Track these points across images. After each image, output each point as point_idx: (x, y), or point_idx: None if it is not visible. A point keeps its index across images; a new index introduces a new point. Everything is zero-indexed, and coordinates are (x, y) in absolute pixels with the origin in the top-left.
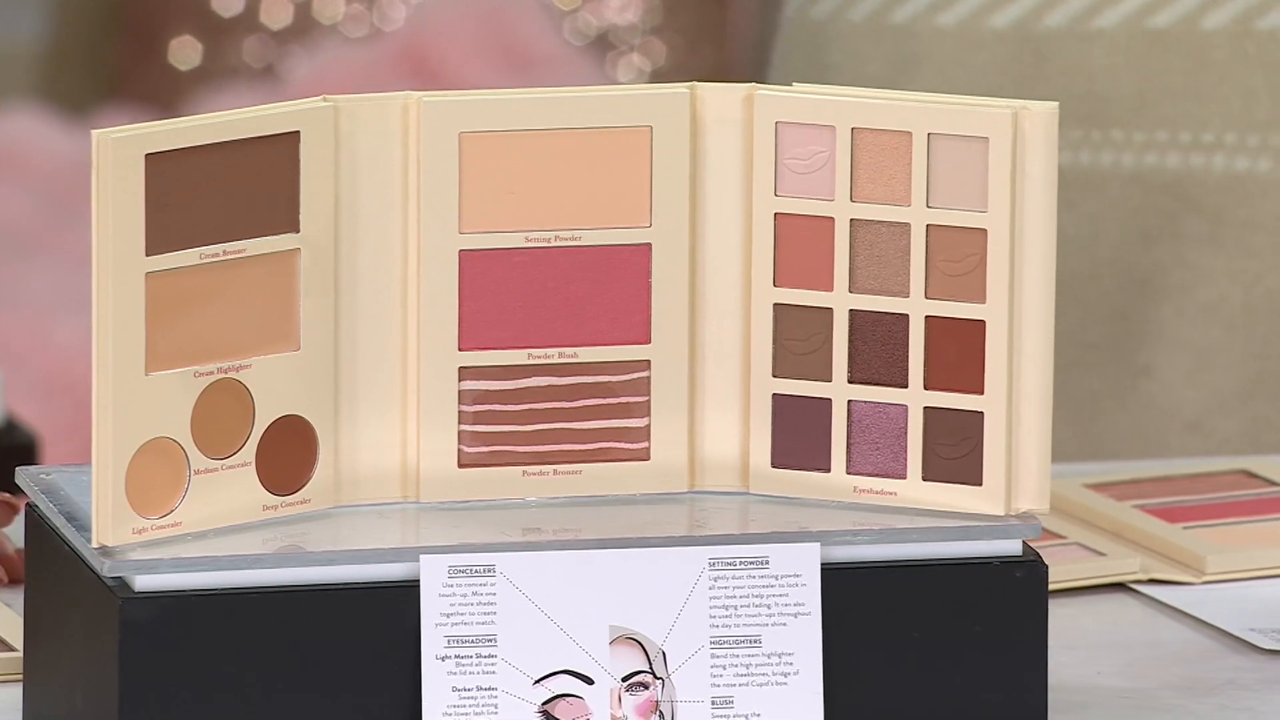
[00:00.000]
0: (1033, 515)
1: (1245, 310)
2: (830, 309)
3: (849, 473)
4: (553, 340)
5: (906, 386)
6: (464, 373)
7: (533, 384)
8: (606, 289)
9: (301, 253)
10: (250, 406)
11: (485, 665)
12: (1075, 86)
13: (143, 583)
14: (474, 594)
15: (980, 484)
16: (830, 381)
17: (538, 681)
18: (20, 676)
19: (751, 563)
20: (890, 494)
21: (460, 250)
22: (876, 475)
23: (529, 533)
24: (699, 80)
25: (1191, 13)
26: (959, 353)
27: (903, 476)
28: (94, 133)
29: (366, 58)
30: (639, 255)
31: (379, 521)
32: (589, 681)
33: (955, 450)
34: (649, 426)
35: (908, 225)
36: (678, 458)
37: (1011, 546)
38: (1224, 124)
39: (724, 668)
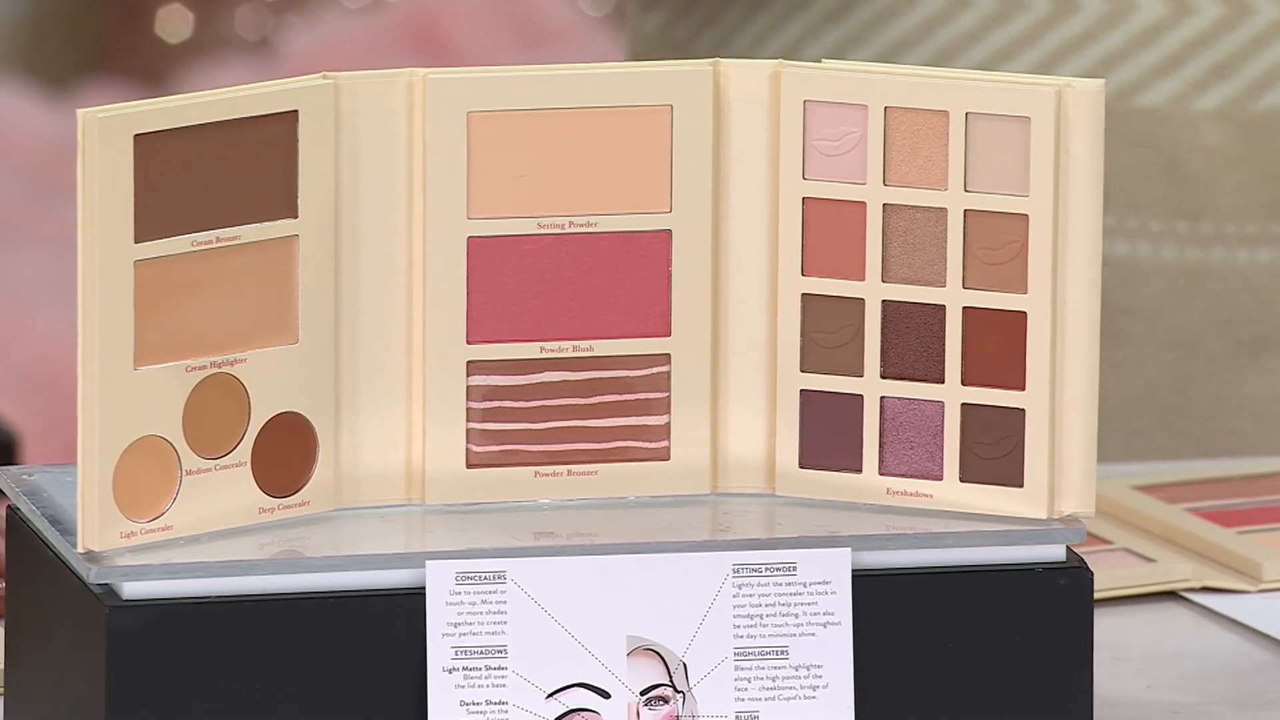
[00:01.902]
0: (1077, 519)
1: (1126, 403)
2: (862, 300)
3: (882, 474)
4: (567, 333)
5: (943, 382)
6: (472, 367)
7: (545, 379)
8: (624, 278)
9: (300, 240)
10: (245, 403)
11: (495, 678)
12: None
13: (131, 590)
14: (483, 602)
15: (1021, 485)
16: (862, 377)
17: (551, 695)
18: (1, 689)
19: (778, 569)
20: (925, 496)
21: (468, 237)
22: (911, 476)
23: (541, 537)
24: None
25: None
26: (999, 346)
27: (939, 478)
28: (79, 112)
29: (368, 30)
30: (658, 243)
31: (382, 525)
32: (605, 695)
33: (995, 450)
34: (669, 424)
35: (944, 210)
36: (700, 457)
37: (1055, 552)
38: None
39: (749, 680)
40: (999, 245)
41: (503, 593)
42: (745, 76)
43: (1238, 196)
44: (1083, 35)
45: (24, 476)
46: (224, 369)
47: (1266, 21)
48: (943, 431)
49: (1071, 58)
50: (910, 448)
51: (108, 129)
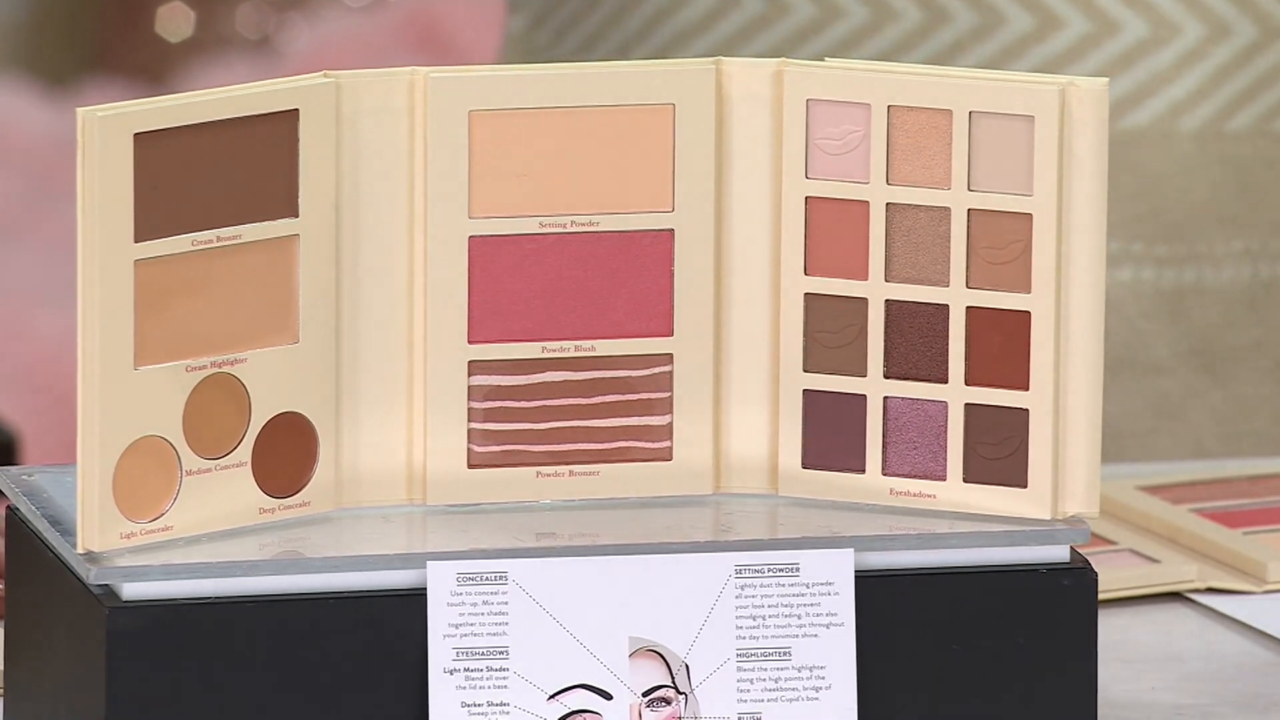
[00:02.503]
0: (1081, 519)
1: None
2: (865, 299)
3: (885, 474)
4: (568, 333)
5: (946, 382)
6: (474, 367)
7: (547, 379)
8: (626, 278)
9: (300, 239)
10: (246, 403)
11: (496, 679)
12: None
13: (131, 591)
14: (484, 603)
15: (1025, 486)
16: (865, 377)
17: (552, 696)
18: (1, 690)
19: (781, 570)
20: (929, 496)
21: (470, 236)
22: (914, 477)
23: (543, 538)
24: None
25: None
26: (1002, 346)
27: (942, 478)
28: (79, 111)
29: (370, 29)
30: (661, 242)
31: (383, 525)
32: (607, 696)
33: (998, 450)
34: (671, 425)
35: (948, 210)
36: (702, 458)
37: (1059, 553)
38: None
39: (751, 682)
40: (1003, 244)
41: (504, 593)
42: (748, 75)
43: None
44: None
45: (24, 477)
46: (224, 369)
47: (1135, 39)
48: (946, 431)
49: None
50: (913, 448)
51: (108, 128)
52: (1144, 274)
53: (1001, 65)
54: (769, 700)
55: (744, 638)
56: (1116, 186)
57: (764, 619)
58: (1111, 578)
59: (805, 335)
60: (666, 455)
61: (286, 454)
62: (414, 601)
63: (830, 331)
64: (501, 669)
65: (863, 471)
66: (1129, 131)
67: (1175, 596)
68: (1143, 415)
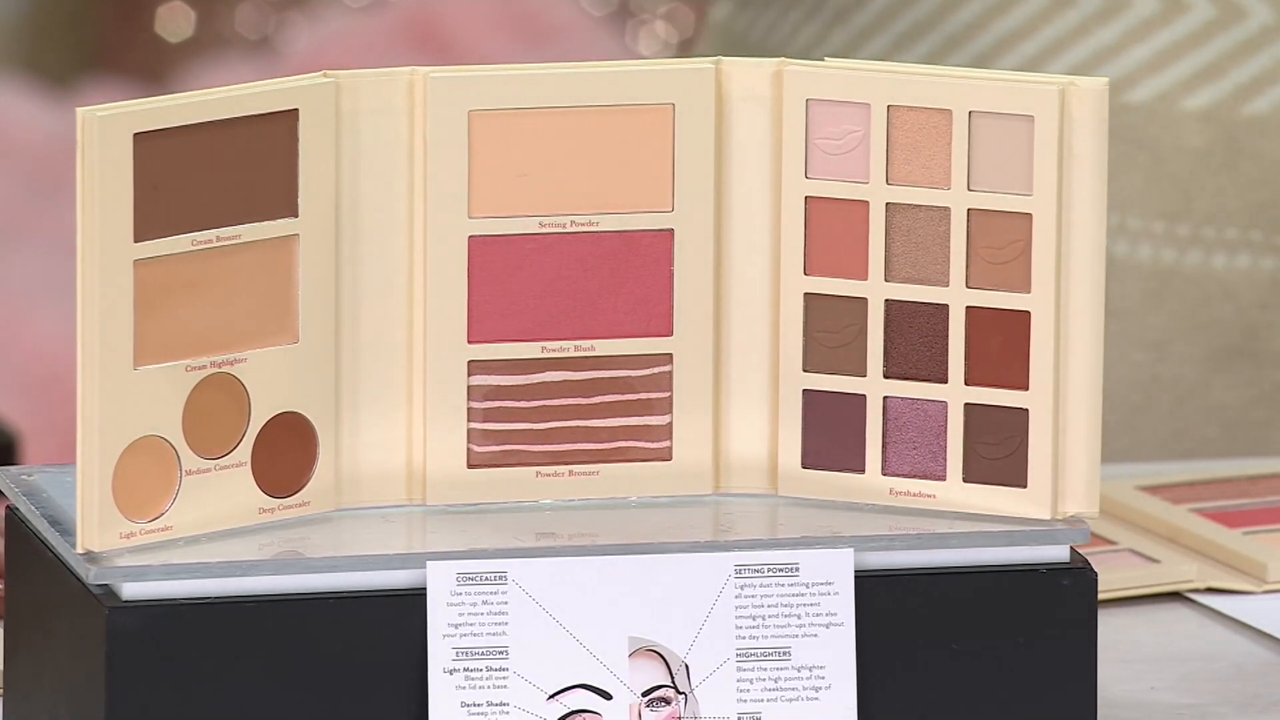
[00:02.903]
0: (1081, 519)
1: None
2: (864, 299)
3: (884, 474)
4: (568, 332)
5: (946, 382)
6: (473, 367)
7: (547, 379)
8: (626, 278)
9: (300, 239)
10: (245, 403)
11: (496, 679)
12: None
13: (131, 591)
14: (484, 603)
15: (1025, 486)
16: (864, 377)
17: (552, 696)
18: (0, 690)
19: (780, 570)
20: (928, 496)
21: (470, 236)
22: (914, 477)
23: (543, 538)
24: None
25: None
26: (1002, 346)
27: (942, 478)
28: (79, 110)
29: (370, 28)
30: (660, 242)
31: (383, 525)
32: (607, 696)
33: (998, 450)
34: (671, 425)
35: (947, 210)
36: (702, 458)
37: (1058, 553)
38: None
39: (751, 682)
40: (1002, 244)
41: (504, 593)
42: (748, 75)
43: (1217, 200)
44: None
45: (24, 476)
46: (224, 369)
47: (1259, 26)
48: (946, 431)
49: (1066, 51)
50: (913, 448)
51: (107, 128)
52: (1263, 263)
53: (1127, 45)
54: (769, 700)
55: (744, 638)
56: (1237, 174)
57: (764, 619)
58: (1111, 578)
59: (805, 335)
60: (666, 455)
61: (286, 454)
62: (414, 601)
63: (830, 331)
64: (501, 669)
65: (862, 471)
66: (1251, 118)
67: (1175, 596)
68: (1257, 406)
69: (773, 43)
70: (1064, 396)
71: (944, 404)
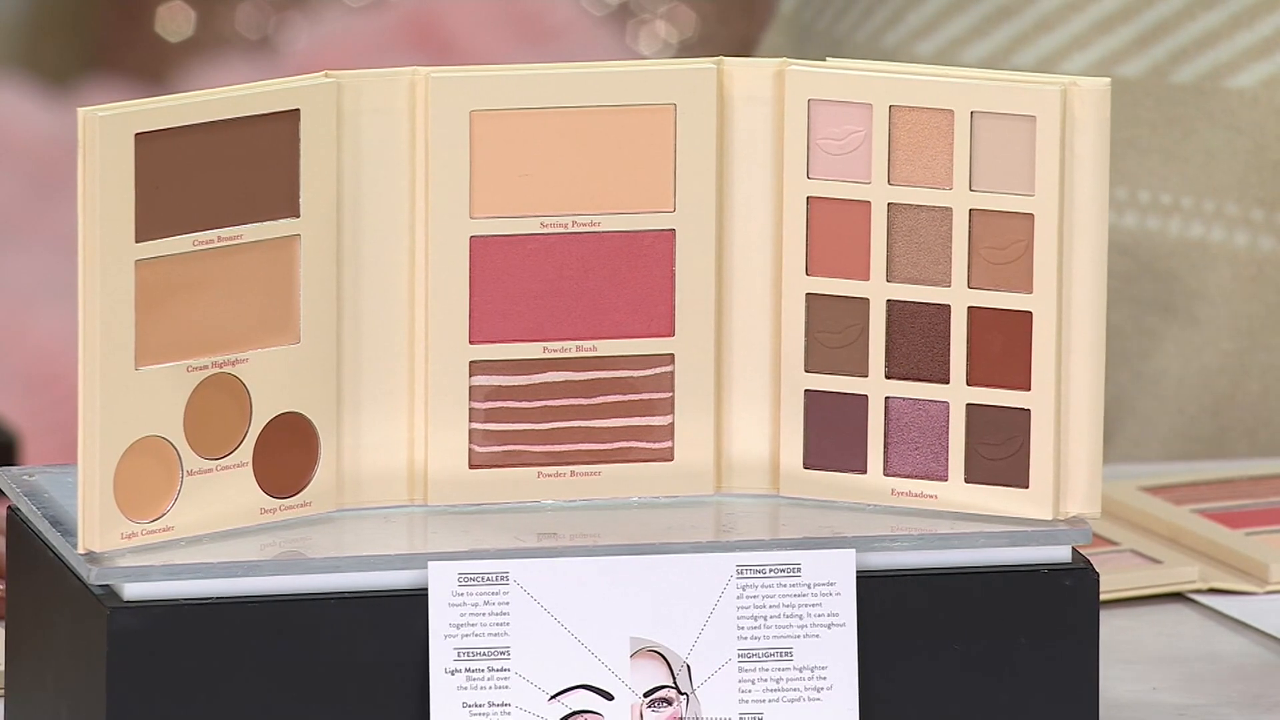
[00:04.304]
0: (1083, 520)
1: (1179, 384)
2: (866, 299)
3: (886, 474)
4: (570, 333)
5: (948, 382)
6: (475, 367)
7: (548, 379)
8: (627, 278)
9: (302, 239)
10: (247, 403)
11: (498, 679)
12: None
13: (132, 591)
14: (486, 603)
15: (1026, 486)
16: (866, 377)
17: (554, 697)
18: (1, 691)
19: (782, 570)
20: (930, 497)
21: (471, 237)
22: (915, 477)
23: (544, 538)
24: (729, 54)
25: (1161, 65)
26: (1004, 346)
27: (944, 478)
28: (80, 111)
29: (371, 28)
30: (662, 242)
31: (384, 526)
32: (608, 697)
33: (1000, 450)
34: (673, 425)
35: (949, 210)
36: (703, 458)
37: (1060, 553)
38: (1182, 185)
39: (753, 682)
40: (1004, 245)
41: (505, 594)
42: (749, 75)
43: None
44: (1182, 12)
45: (24, 477)
46: (225, 369)
47: None
48: (948, 432)
49: (1169, 34)
50: (915, 448)
51: (108, 128)
52: None
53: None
54: (770, 701)
55: (745, 638)
56: None
57: (765, 619)
58: (1113, 578)
59: (807, 335)
60: (668, 455)
61: (288, 454)
62: (415, 602)
63: (832, 332)
64: (503, 669)
65: (864, 472)
66: None
67: (1177, 597)
68: None
69: (839, 31)
70: (1066, 397)
71: (946, 404)
